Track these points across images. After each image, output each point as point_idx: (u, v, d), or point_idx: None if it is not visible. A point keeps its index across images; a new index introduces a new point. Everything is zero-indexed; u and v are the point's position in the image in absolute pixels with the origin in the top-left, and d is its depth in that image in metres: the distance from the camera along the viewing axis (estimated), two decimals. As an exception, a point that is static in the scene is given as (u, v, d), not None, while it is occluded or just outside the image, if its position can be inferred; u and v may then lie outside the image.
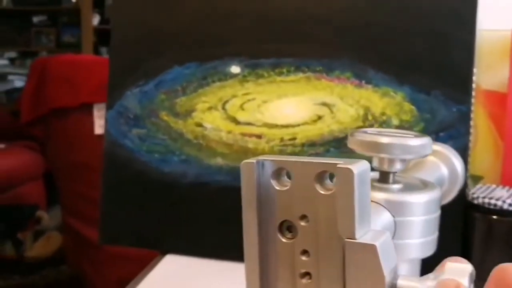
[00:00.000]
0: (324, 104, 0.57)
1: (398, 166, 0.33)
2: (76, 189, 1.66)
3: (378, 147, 0.32)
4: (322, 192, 0.23)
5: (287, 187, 0.23)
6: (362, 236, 0.22)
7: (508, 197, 0.49)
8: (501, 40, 0.58)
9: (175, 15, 0.61)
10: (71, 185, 1.67)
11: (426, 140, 0.33)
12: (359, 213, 0.22)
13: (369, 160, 0.33)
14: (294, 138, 0.58)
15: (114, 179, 0.63)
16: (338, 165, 0.22)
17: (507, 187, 0.52)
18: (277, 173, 0.24)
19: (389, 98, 0.56)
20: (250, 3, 0.59)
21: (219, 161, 0.59)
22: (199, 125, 0.60)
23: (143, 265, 0.65)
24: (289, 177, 0.24)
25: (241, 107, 0.59)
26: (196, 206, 0.60)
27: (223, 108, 0.59)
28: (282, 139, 0.58)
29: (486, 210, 0.49)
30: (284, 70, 0.58)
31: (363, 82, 0.57)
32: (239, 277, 0.56)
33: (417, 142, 0.32)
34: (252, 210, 0.23)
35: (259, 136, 0.59)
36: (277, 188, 0.23)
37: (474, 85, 0.56)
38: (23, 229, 2.29)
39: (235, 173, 0.59)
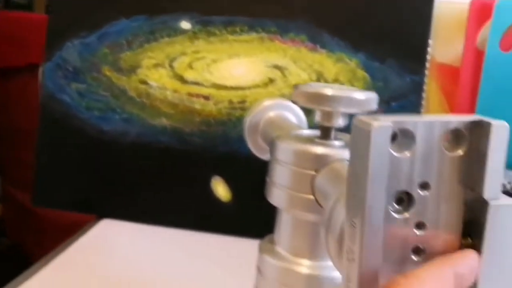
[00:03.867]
0: (277, 67, 0.55)
1: (340, 121, 0.31)
2: (18, 156, 1.59)
3: (321, 99, 0.30)
4: (450, 154, 0.20)
5: (409, 153, 0.20)
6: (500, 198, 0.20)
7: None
8: (458, 14, 0.57)
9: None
10: (13, 152, 1.60)
11: (371, 94, 0.31)
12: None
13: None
14: (244, 101, 0.55)
15: (49, 136, 0.59)
16: (492, 123, 0.20)
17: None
18: (397, 137, 0.20)
19: (343, 64, 0.54)
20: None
21: (163, 121, 0.56)
22: (144, 82, 0.57)
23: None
24: (408, 141, 0.20)
25: (190, 65, 0.56)
26: (136, 167, 0.57)
27: (170, 66, 0.56)
28: (231, 102, 0.56)
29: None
30: (237, 29, 0.55)
31: (318, 46, 0.55)
32: (177, 243, 0.54)
33: (362, 95, 0.30)
34: (381, 184, 0.20)
35: (206, 97, 0.56)
36: (397, 155, 0.20)
37: (429, 57, 0.55)
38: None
39: (179, 134, 0.56)
